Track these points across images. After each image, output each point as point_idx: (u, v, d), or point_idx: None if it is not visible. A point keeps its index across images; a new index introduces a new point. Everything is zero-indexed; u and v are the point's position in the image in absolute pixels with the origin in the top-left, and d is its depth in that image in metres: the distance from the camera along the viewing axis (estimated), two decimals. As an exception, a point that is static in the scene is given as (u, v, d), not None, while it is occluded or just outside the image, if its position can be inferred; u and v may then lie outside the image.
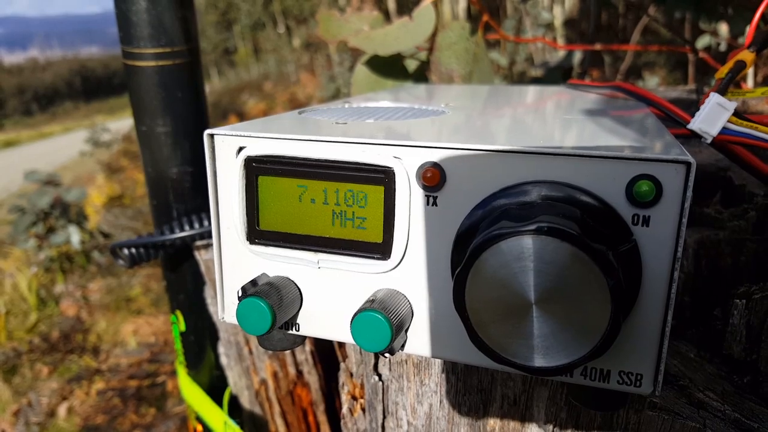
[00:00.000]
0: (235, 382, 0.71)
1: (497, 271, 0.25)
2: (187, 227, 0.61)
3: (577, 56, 2.12)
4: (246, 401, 0.71)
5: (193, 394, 0.71)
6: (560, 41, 4.68)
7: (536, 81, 2.09)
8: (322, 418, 0.67)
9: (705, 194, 0.57)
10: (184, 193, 0.64)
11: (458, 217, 0.29)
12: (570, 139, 0.32)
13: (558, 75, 2.01)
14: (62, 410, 1.99)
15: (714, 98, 0.37)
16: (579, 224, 0.25)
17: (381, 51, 0.76)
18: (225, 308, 0.35)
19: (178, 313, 0.70)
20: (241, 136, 0.32)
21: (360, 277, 0.32)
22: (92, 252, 3.77)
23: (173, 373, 1.81)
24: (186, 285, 0.68)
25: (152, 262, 0.71)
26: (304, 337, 0.35)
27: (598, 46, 1.00)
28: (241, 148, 0.32)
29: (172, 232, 0.60)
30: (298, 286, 0.33)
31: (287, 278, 0.33)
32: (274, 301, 0.31)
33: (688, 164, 0.25)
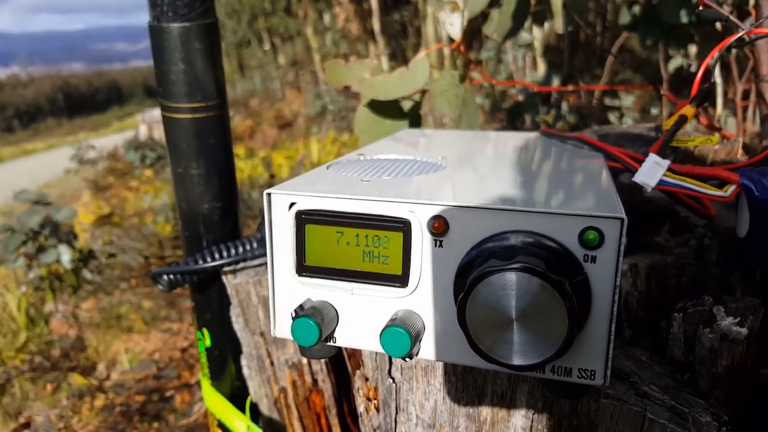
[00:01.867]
0: (255, 391, 0.80)
1: (488, 297, 0.36)
2: (217, 256, 0.71)
3: (555, 82, 2.25)
4: (265, 408, 0.80)
5: (217, 403, 0.81)
6: (539, 62, 4.83)
7: (517, 105, 2.22)
8: (334, 421, 0.77)
9: (656, 225, 0.68)
10: (213, 225, 0.73)
11: (458, 256, 0.40)
12: (540, 196, 0.42)
13: (537, 99, 2.13)
14: (62, 429, 2.04)
15: (652, 158, 0.48)
16: (545, 262, 0.36)
17: (381, 97, 0.86)
18: (276, 326, 0.45)
19: (204, 330, 0.80)
20: (293, 194, 0.42)
21: (384, 300, 0.42)
22: (82, 271, 3.81)
23: (179, 388, 1.89)
24: (212, 305, 0.77)
25: (148, 278, 0.79)
26: (337, 348, 0.45)
27: (570, 87, 1.12)
28: (292, 204, 0.42)
29: (205, 260, 0.70)
30: (335, 308, 0.43)
31: (327, 302, 0.43)
32: (319, 320, 0.41)
33: (622, 220, 0.36)
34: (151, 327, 2.79)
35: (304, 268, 0.43)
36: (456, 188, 0.46)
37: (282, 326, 0.45)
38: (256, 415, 0.82)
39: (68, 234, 3.90)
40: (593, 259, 0.37)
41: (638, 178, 0.49)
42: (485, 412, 0.49)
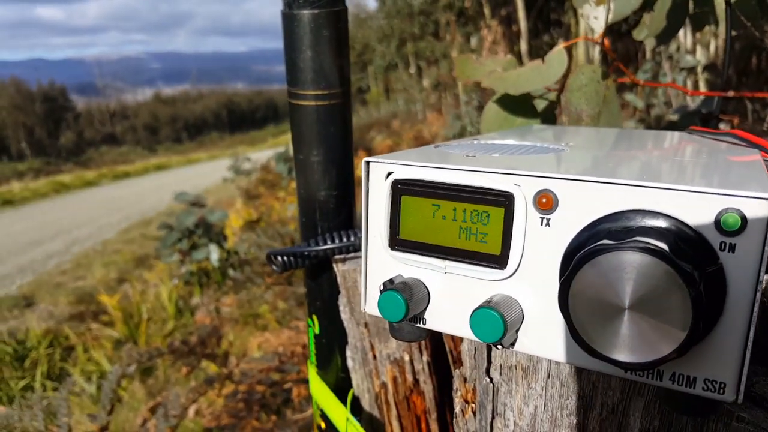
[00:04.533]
0: (358, 384, 0.79)
1: (598, 279, 0.31)
2: (329, 242, 0.71)
3: (717, 101, 2.03)
4: (366, 404, 0.79)
5: (320, 392, 0.81)
6: (702, 85, 4.43)
7: (672, 125, 2.03)
8: (434, 426, 0.73)
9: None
10: (328, 213, 0.74)
11: (567, 237, 0.35)
12: (671, 176, 0.36)
13: (695, 120, 1.94)
14: (191, 411, 2.20)
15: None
16: (670, 245, 0.30)
17: (512, 91, 0.82)
18: (367, 301, 0.43)
19: (314, 317, 0.80)
20: (390, 163, 0.40)
21: (479, 282, 0.38)
22: (228, 269, 4.13)
23: (297, 382, 1.95)
24: (323, 293, 0.78)
25: (282, 279, 0.81)
26: (428, 331, 0.43)
27: (731, 93, 0.99)
28: (389, 173, 0.41)
29: (317, 244, 0.71)
30: (426, 287, 0.41)
31: (418, 280, 0.41)
32: (407, 295, 0.39)
33: None
34: (283, 326, 2.92)
35: (397, 242, 0.41)
36: (571, 163, 0.41)
37: (372, 302, 0.43)
38: (357, 409, 0.80)
39: (218, 235, 4.25)
40: (732, 248, 0.31)
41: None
42: (592, 426, 0.43)
